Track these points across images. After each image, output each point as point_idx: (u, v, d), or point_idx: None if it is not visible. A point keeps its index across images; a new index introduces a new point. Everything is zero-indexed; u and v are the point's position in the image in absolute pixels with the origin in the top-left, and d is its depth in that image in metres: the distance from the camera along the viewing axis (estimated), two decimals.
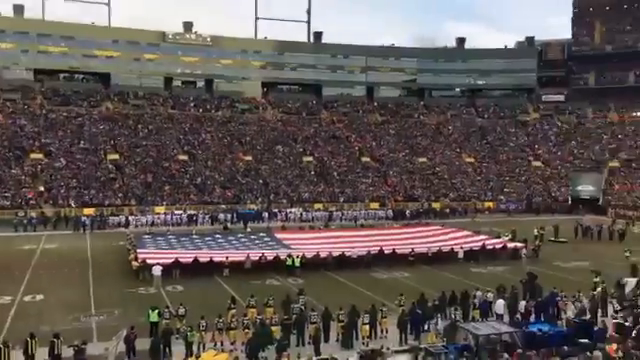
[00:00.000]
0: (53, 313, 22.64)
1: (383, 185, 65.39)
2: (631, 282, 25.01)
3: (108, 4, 76.23)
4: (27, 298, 25.33)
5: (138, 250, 32.37)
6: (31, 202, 51.27)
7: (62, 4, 76.71)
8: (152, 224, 48.94)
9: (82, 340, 17.19)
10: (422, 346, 18.29)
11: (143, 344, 18.09)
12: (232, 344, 19.06)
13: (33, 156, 58.16)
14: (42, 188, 53.69)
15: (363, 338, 19.80)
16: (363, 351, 17.40)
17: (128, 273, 29.88)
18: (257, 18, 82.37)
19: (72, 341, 17.10)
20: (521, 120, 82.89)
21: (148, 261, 29.38)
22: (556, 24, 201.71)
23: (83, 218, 47.80)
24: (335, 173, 65.97)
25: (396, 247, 34.93)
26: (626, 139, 75.51)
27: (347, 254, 32.94)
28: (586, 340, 18.19)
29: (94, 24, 74.68)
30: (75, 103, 69.57)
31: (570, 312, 21.68)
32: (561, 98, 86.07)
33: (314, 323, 19.71)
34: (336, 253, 32.83)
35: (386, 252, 33.97)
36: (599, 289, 23.98)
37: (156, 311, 20.20)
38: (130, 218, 49.92)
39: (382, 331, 20.41)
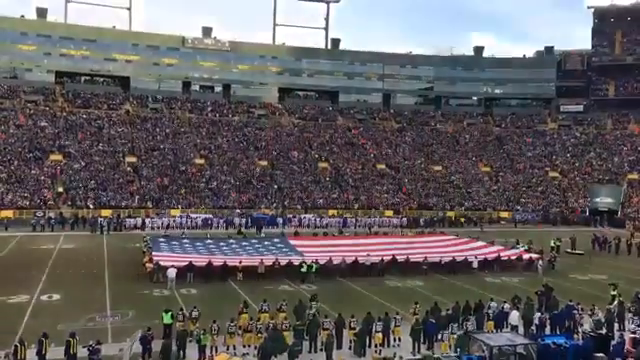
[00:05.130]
0: (69, 313, 22.84)
1: (398, 193, 65.23)
2: None
3: (129, 8, 77.34)
4: (44, 297, 25.61)
5: (153, 252, 32.61)
6: (49, 202, 51.95)
7: (84, 8, 77.44)
8: (168, 227, 49.22)
9: (97, 340, 17.32)
10: (435, 356, 18.18)
11: (159, 345, 18.18)
12: (244, 347, 19.09)
13: (53, 157, 58.95)
14: (61, 189, 54.37)
15: (376, 346, 19.72)
16: (376, 359, 17.33)
17: (143, 275, 30.09)
18: (275, 24, 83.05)
19: (87, 341, 17.26)
20: (539, 130, 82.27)
21: (162, 263, 29.60)
22: (576, 35, 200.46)
23: (100, 219, 48.27)
24: (350, 180, 65.97)
25: (410, 255, 34.78)
26: None
27: (360, 261, 32.87)
28: (602, 354, 17.94)
29: (115, 28, 75.69)
30: (95, 106, 70.42)
31: (587, 325, 21.39)
32: (580, 109, 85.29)
33: (326, 330, 19.68)
34: (349, 260, 32.79)
35: (399, 260, 33.87)
36: (616, 302, 23.68)
37: (169, 313, 20.36)
38: (146, 220, 50.35)
39: (395, 339, 20.35)
